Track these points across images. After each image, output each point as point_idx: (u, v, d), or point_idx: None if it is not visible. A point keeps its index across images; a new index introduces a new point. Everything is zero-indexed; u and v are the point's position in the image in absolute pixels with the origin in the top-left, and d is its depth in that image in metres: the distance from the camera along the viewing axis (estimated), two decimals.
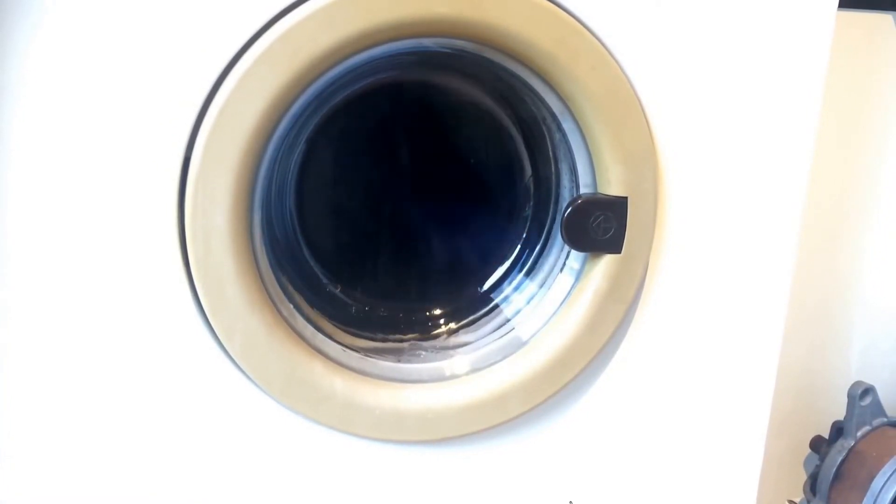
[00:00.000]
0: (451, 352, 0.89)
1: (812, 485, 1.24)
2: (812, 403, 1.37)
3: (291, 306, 0.82)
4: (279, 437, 0.83)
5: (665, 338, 0.90)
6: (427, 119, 0.93)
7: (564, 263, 0.87)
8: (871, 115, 1.25)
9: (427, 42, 0.78)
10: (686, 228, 0.87)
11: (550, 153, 0.87)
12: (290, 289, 0.83)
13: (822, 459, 1.24)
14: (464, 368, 0.87)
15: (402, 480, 0.87)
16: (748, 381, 0.94)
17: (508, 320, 0.90)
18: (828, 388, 1.36)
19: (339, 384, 0.81)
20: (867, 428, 1.21)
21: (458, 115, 0.92)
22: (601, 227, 0.83)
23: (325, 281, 0.92)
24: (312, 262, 0.91)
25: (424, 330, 0.93)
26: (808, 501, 1.24)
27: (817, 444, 1.29)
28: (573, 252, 0.85)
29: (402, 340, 0.92)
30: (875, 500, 1.15)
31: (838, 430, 1.25)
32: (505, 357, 0.87)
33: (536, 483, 0.91)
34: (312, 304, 0.87)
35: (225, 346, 0.77)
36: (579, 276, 0.85)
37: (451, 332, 0.93)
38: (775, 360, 0.94)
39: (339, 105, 0.84)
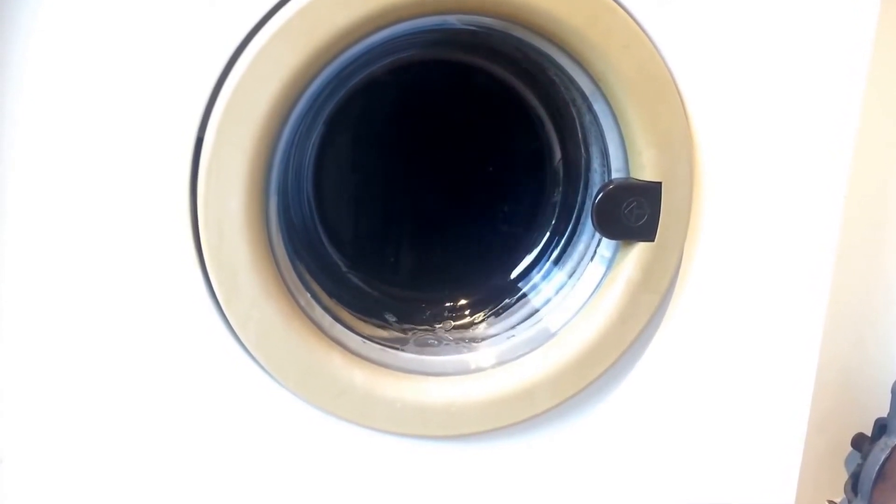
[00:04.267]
0: (477, 343, 0.87)
1: (854, 484, 1.22)
2: (854, 400, 1.33)
3: (309, 295, 0.80)
4: (296, 431, 0.81)
5: (700, 331, 0.87)
6: (452, 100, 0.91)
7: (595, 252, 0.84)
8: None
9: (452, 19, 0.75)
10: (723, 216, 0.84)
11: (580, 136, 0.84)
12: (308, 277, 0.82)
13: (864, 458, 1.21)
14: (489, 361, 0.85)
15: (424, 476, 0.85)
16: (787, 377, 0.91)
17: (537, 311, 0.88)
18: (871, 383, 1.33)
19: (359, 376, 0.79)
20: None
21: (484, 96, 0.89)
22: (634, 213, 0.80)
23: (344, 269, 0.90)
24: (331, 249, 0.89)
25: (449, 320, 0.91)
26: (850, 502, 1.21)
27: (860, 442, 1.26)
28: (604, 240, 0.83)
29: (425, 331, 0.90)
30: None
31: (881, 427, 1.22)
32: (532, 349, 0.84)
33: (564, 481, 0.89)
34: (331, 294, 0.85)
35: (239, 336, 0.76)
36: (610, 265, 0.83)
37: (477, 323, 0.91)
38: (815, 355, 0.91)
39: (359, 85, 0.82)
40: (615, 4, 0.75)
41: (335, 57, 0.72)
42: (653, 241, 0.81)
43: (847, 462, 1.28)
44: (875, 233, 1.26)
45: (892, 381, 1.21)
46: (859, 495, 1.20)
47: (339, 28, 0.70)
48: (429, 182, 0.93)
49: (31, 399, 0.76)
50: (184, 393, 0.78)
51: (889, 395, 1.20)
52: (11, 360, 0.75)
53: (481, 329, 0.90)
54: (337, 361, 0.79)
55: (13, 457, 0.78)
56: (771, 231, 0.86)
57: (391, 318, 0.89)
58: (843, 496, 1.24)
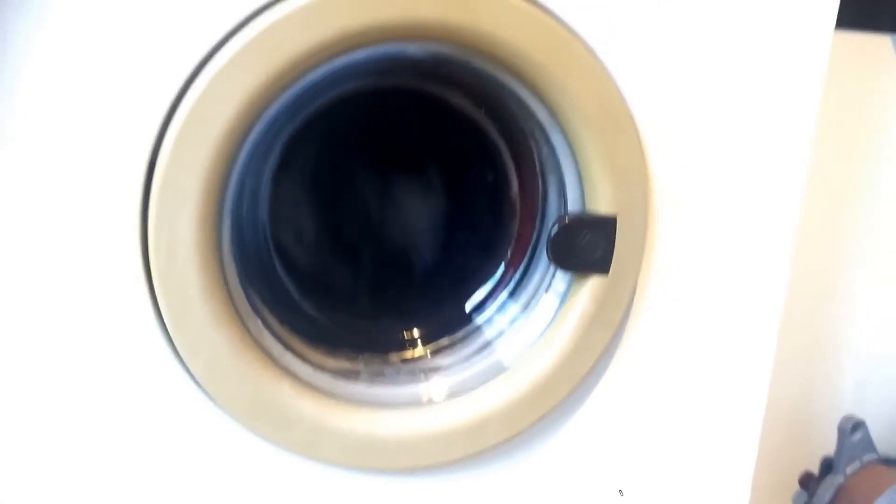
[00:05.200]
0: (429, 375, 0.87)
1: None
2: (803, 438, 1.36)
3: (259, 322, 0.79)
4: (244, 462, 0.80)
5: (652, 365, 0.88)
6: (409, 128, 0.91)
7: (550, 284, 0.85)
8: (865, 151, 1.25)
9: (411, 48, 0.76)
10: (677, 252, 0.85)
11: (538, 168, 0.85)
12: (259, 303, 0.81)
13: (810, 497, 1.23)
14: (442, 393, 0.85)
15: None
16: (737, 413, 0.93)
17: (490, 343, 0.88)
18: (819, 422, 1.35)
19: (309, 407, 0.78)
20: (857, 464, 1.20)
21: (442, 125, 0.89)
22: (589, 246, 0.81)
23: (296, 297, 0.89)
24: (284, 277, 0.89)
25: (401, 351, 0.91)
26: None
27: (806, 481, 1.28)
28: (559, 272, 0.83)
29: (377, 362, 0.89)
30: None
31: (827, 465, 1.24)
32: (485, 382, 0.84)
33: None
34: (282, 321, 0.84)
35: (187, 364, 0.74)
36: (565, 297, 0.83)
37: (430, 354, 0.90)
38: (765, 392, 0.92)
39: (317, 111, 0.82)
40: (575, 38, 0.76)
41: (292, 82, 0.72)
42: (607, 274, 0.82)
43: (794, 500, 1.29)
44: (825, 277, 1.29)
45: (839, 420, 1.23)
46: None
47: (297, 54, 0.70)
48: (385, 210, 0.93)
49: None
50: (131, 421, 0.77)
51: (836, 434, 1.23)
52: None
53: (434, 360, 0.90)
54: (286, 391, 0.78)
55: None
56: (722, 269, 0.87)
57: (343, 348, 0.88)
58: None
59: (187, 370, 0.75)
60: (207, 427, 0.78)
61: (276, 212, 0.87)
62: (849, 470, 1.20)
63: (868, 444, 1.21)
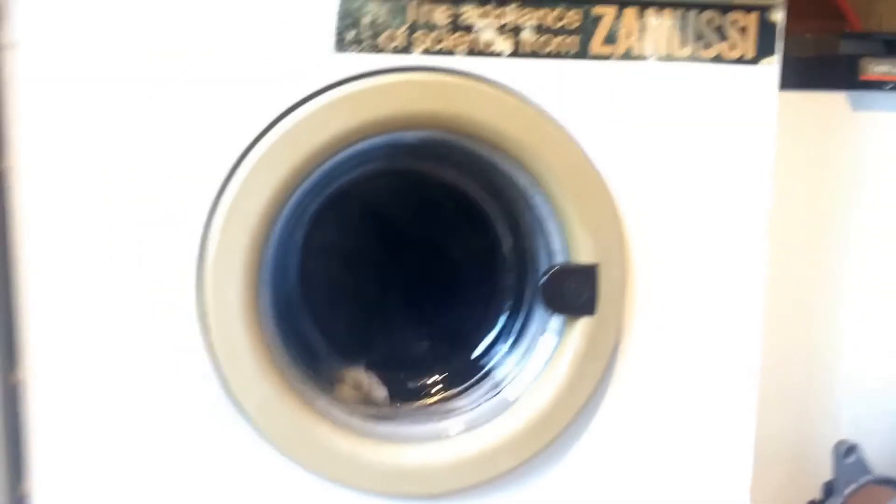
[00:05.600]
0: (445, 415, 1.00)
1: None
2: (805, 469, 1.44)
3: (296, 372, 0.93)
4: (291, 491, 0.93)
5: (644, 393, 1.01)
6: (414, 202, 1.06)
7: (546, 327, 0.98)
8: (835, 189, 1.38)
9: (408, 136, 0.92)
10: (655, 291, 0.99)
11: (527, 228, 1.00)
12: (295, 357, 0.95)
13: None
14: (457, 429, 0.97)
15: None
16: (728, 436, 1.04)
17: (498, 384, 1.01)
18: (821, 453, 1.43)
19: (344, 443, 0.92)
20: (854, 486, 1.30)
21: (443, 197, 1.05)
22: (575, 291, 0.95)
23: (324, 353, 1.03)
24: (313, 335, 1.03)
25: (420, 398, 1.04)
26: None
27: None
28: (553, 317, 0.97)
29: (399, 409, 1.03)
30: None
31: (829, 490, 1.33)
32: (495, 417, 0.97)
33: None
34: (313, 374, 0.98)
35: (242, 407, 0.89)
36: (559, 338, 0.97)
37: (446, 399, 1.04)
38: (753, 408, 1.03)
39: (333, 193, 0.97)
40: (546, 117, 0.91)
41: (313, 170, 0.88)
42: (593, 314, 0.95)
43: None
44: (810, 313, 1.40)
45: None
46: None
47: (315, 147, 0.87)
48: (398, 274, 1.07)
49: (56, 453, 0.89)
50: (194, 460, 0.91)
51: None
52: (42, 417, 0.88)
53: (449, 404, 1.03)
54: (325, 430, 0.92)
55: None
56: (699, 304, 1.01)
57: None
58: None
59: (242, 412, 0.89)
60: (260, 460, 0.92)
61: (303, 279, 1.02)
62: (847, 492, 1.29)
63: (862, 466, 1.31)
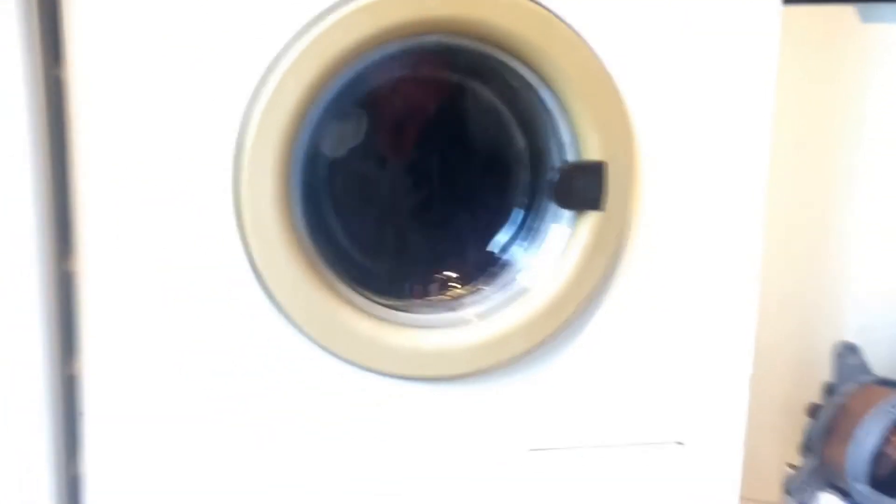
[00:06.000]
0: (464, 305, 1.08)
1: (807, 444, 1.40)
2: (810, 376, 1.50)
3: (322, 262, 1.01)
4: (314, 371, 1.01)
5: (648, 288, 1.08)
6: (434, 105, 1.13)
7: (558, 221, 1.05)
8: (844, 100, 1.42)
9: (425, 42, 0.98)
10: (660, 189, 1.05)
11: (539, 128, 1.06)
12: (321, 248, 1.02)
13: (814, 419, 1.39)
14: (474, 316, 1.05)
15: (419, 412, 1.05)
16: (727, 327, 1.11)
17: (514, 275, 1.08)
18: (827, 361, 1.48)
19: (366, 326, 1.00)
20: (854, 385, 1.37)
21: (459, 101, 1.11)
22: (584, 188, 1.01)
23: (348, 246, 1.11)
24: (338, 230, 1.10)
25: (438, 291, 1.12)
26: (804, 459, 1.40)
27: (813, 410, 1.43)
28: (564, 211, 1.04)
29: (420, 303, 1.10)
30: (860, 448, 1.30)
31: (829, 390, 1.40)
32: (509, 305, 1.05)
33: (539, 418, 1.09)
34: (338, 267, 1.05)
35: (272, 292, 0.96)
36: (570, 232, 1.04)
37: (465, 294, 1.11)
38: (755, 297, 1.11)
39: (358, 98, 1.04)
40: (558, 20, 0.97)
41: (342, 71, 0.95)
42: (601, 210, 1.02)
43: (804, 430, 1.44)
44: (808, 208, 1.46)
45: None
46: (811, 452, 1.38)
47: (344, 47, 0.93)
48: (417, 174, 1.14)
49: (110, 357, 0.97)
50: (227, 342, 0.99)
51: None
52: (94, 325, 0.96)
53: (469, 298, 1.10)
54: (348, 314, 0.99)
55: (96, 411, 0.98)
56: (702, 205, 1.07)
57: (388, 293, 1.09)
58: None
59: (272, 298, 0.97)
60: (287, 341, 1.00)
61: (331, 177, 1.09)
62: (846, 390, 1.36)
63: (863, 366, 1.38)
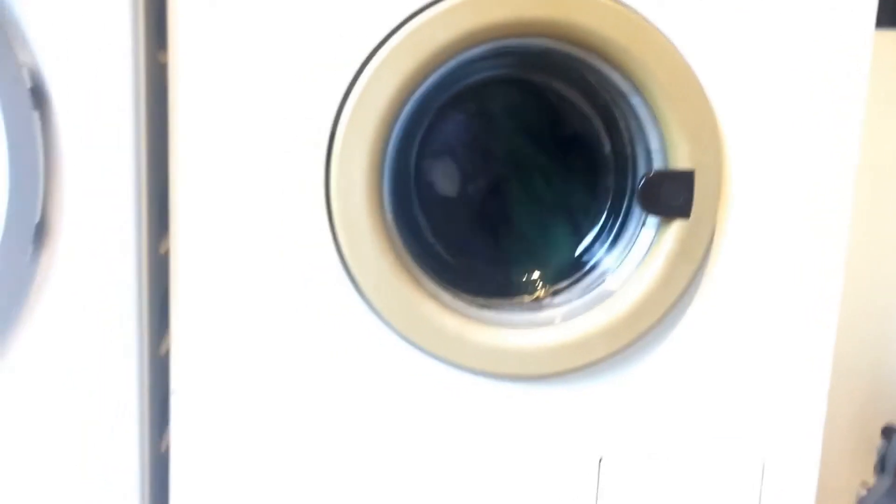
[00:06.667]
0: (548, 306, 1.09)
1: (881, 464, 1.39)
2: (888, 397, 1.50)
3: (409, 256, 1.03)
4: (400, 365, 1.04)
5: (731, 298, 1.08)
6: (522, 108, 1.15)
7: (643, 227, 1.07)
8: None
9: (516, 44, 1.00)
10: (747, 198, 1.06)
11: (626, 134, 1.07)
12: (407, 242, 1.05)
13: (889, 441, 1.39)
14: (557, 318, 1.07)
15: (499, 410, 1.07)
16: (808, 341, 1.11)
17: (599, 279, 1.09)
18: None
19: (451, 322, 1.02)
20: None
21: (548, 104, 1.13)
22: (671, 195, 1.03)
23: (438, 246, 1.13)
24: (425, 228, 1.13)
25: (523, 292, 1.14)
26: (877, 478, 1.39)
27: (888, 432, 1.43)
28: (650, 218, 1.05)
29: (504, 304, 1.12)
30: None
31: None
32: (592, 308, 1.06)
33: (617, 423, 1.10)
34: (421, 263, 1.08)
35: (359, 284, 0.99)
36: (655, 239, 1.05)
37: (548, 295, 1.13)
38: (833, 325, 1.10)
39: (452, 95, 1.06)
40: (649, 25, 0.99)
41: (435, 69, 0.97)
42: (688, 218, 1.03)
43: (878, 451, 1.44)
44: (892, 224, 1.45)
45: None
46: (885, 472, 1.38)
47: (437, 46, 0.95)
48: (504, 176, 1.17)
49: (200, 340, 1.01)
50: (312, 332, 1.02)
51: None
52: (184, 308, 1.00)
53: (553, 299, 1.12)
54: (434, 308, 1.02)
55: (185, 389, 1.02)
56: (787, 220, 1.07)
57: (473, 291, 1.11)
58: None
59: (359, 289, 1.00)
60: (371, 333, 1.02)
61: (420, 176, 1.12)
62: None
63: None
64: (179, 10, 0.94)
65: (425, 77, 0.97)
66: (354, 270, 0.99)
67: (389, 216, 1.01)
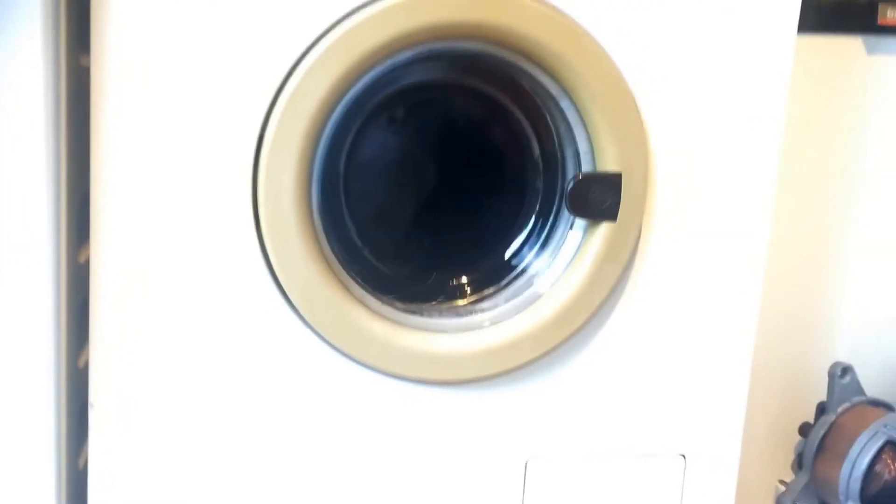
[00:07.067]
0: (477, 311, 1.09)
1: (799, 461, 1.43)
2: (803, 396, 1.53)
3: (337, 262, 1.02)
4: (326, 372, 1.02)
5: (654, 298, 1.10)
6: (451, 111, 1.15)
7: (571, 229, 1.07)
8: (849, 129, 1.46)
9: (446, 47, 1.00)
10: (673, 202, 1.08)
11: (556, 137, 1.08)
12: (335, 248, 1.04)
13: (806, 437, 1.42)
14: (486, 322, 1.07)
15: (428, 417, 1.06)
16: (728, 342, 1.14)
17: (528, 282, 1.10)
18: (820, 383, 1.52)
19: (379, 328, 1.01)
20: (847, 405, 1.40)
21: (476, 106, 1.14)
22: (599, 198, 1.04)
23: (361, 246, 1.12)
24: (353, 231, 1.12)
25: (452, 297, 1.14)
26: (795, 476, 1.42)
27: (805, 429, 1.46)
28: (577, 220, 1.06)
29: (432, 308, 1.12)
30: (852, 466, 1.33)
31: (821, 409, 1.43)
32: (520, 311, 1.07)
33: (544, 425, 1.10)
34: (352, 269, 1.07)
35: (286, 291, 0.98)
36: (583, 240, 1.06)
37: (477, 299, 1.13)
38: (754, 319, 1.13)
39: (382, 98, 1.06)
40: (581, 30, 1.00)
41: (366, 72, 0.96)
42: (615, 221, 1.04)
43: (796, 448, 1.47)
44: (809, 229, 1.49)
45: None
46: (803, 468, 1.41)
47: (368, 49, 0.95)
48: (433, 180, 1.16)
49: (120, 351, 0.98)
50: (237, 338, 1.00)
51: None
52: (104, 317, 0.97)
53: (481, 303, 1.12)
54: (362, 315, 1.01)
55: (104, 402, 0.99)
56: (710, 223, 1.09)
57: (401, 296, 1.10)
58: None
59: (286, 297, 0.98)
60: (298, 340, 1.01)
61: (348, 179, 1.11)
62: (839, 410, 1.39)
63: (856, 386, 1.41)
64: (103, 13, 0.91)
65: (356, 80, 0.97)
66: (281, 277, 0.97)
67: (318, 222, 1.00)
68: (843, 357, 1.49)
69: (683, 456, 1.15)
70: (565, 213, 1.07)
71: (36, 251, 0.93)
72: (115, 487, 1.01)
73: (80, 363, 1.00)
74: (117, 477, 1.00)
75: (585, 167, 1.05)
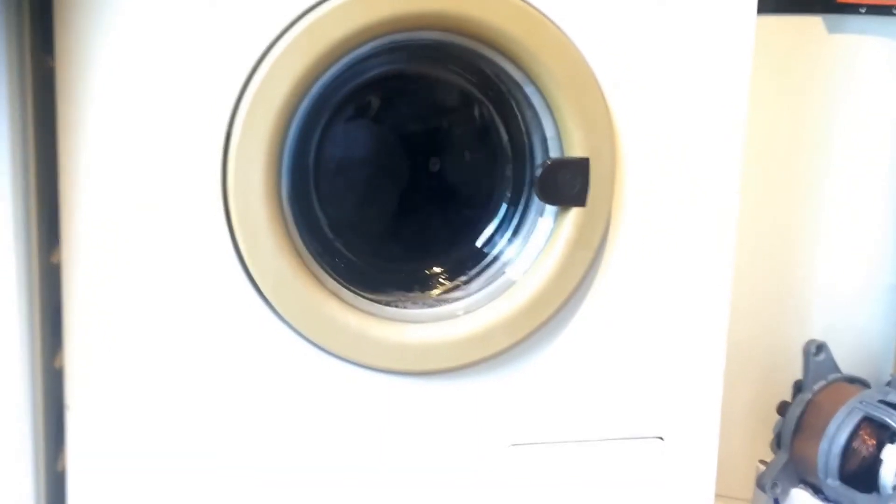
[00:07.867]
0: (451, 300, 1.11)
1: (778, 440, 1.45)
2: (780, 375, 1.56)
3: (309, 255, 1.03)
4: (300, 364, 1.03)
5: (627, 282, 1.12)
6: (420, 101, 1.17)
7: (542, 216, 1.09)
8: (811, 108, 1.49)
9: (412, 38, 1.01)
10: (641, 185, 1.09)
11: (522, 123, 1.10)
12: (307, 240, 1.05)
13: (784, 416, 1.45)
14: (459, 310, 1.08)
15: (404, 407, 1.08)
16: (702, 324, 1.16)
17: (499, 270, 1.11)
18: (795, 361, 1.54)
19: (352, 320, 1.03)
20: (823, 382, 1.42)
21: (445, 96, 1.15)
22: (568, 184, 1.05)
23: (338, 244, 1.14)
24: (327, 226, 1.13)
25: (425, 287, 1.15)
26: (775, 454, 1.45)
27: (783, 408, 1.48)
28: (547, 206, 1.08)
29: (406, 299, 1.13)
30: (830, 444, 1.35)
31: (798, 387, 1.46)
32: (494, 299, 1.08)
33: (522, 412, 1.12)
34: (324, 261, 1.08)
35: (258, 284, 0.99)
36: (554, 226, 1.08)
37: (451, 289, 1.14)
38: (728, 293, 1.15)
39: (350, 88, 1.07)
40: (546, 19, 1.01)
41: (332, 64, 0.98)
42: (584, 206, 1.06)
43: (774, 428, 1.49)
44: (777, 209, 1.52)
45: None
46: (782, 448, 1.43)
47: (332, 41, 0.96)
48: (403, 169, 1.18)
49: (96, 352, 0.98)
50: (209, 330, 1.01)
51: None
52: (78, 318, 0.98)
53: (454, 293, 1.13)
54: (335, 307, 1.02)
55: (81, 405, 1.00)
56: (678, 198, 1.11)
57: (374, 287, 1.12)
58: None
59: (257, 289, 1.00)
60: (272, 334, 1.02)
61: (318, 172, 1.12)
62: (815, 387, 1.41)
63: (831, 364, 1.43)
64: (66, 13, 0.92)
65: (321, 73, 0.98)
66: (253, 271, 0.99)
67: (289, 215, 1.01)
68: (818, 334, 1.51)
69: (661, 438, 1.17)
70: (536, 201, 1.09)
71: (4, 253, 0.93)
72: (95, 490, 1.01)
73: (58, 365, 1.01)
74: (96, 480, 1.01)
75: (553, 153, 1.06)
